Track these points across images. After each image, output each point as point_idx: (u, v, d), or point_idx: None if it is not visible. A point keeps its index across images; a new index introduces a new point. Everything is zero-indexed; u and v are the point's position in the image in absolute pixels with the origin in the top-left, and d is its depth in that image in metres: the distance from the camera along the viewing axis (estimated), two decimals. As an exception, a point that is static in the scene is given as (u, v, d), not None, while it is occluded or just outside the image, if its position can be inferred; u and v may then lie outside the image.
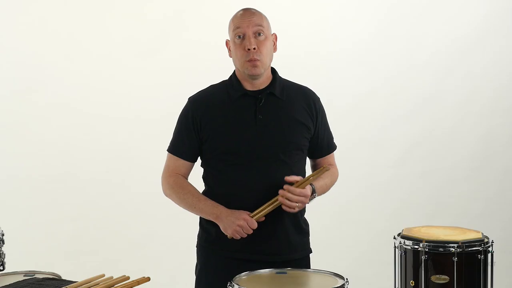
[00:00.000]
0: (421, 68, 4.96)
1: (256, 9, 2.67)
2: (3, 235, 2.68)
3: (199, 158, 2.72)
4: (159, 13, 4.85)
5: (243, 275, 2.38)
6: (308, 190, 2.54)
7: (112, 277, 2.41)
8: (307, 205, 2.64)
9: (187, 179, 2.72)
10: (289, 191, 2.48)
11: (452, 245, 2.71)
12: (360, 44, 4.96)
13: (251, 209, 2.53)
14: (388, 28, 4.97)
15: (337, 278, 2.35)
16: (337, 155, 4.83)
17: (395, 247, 2.90)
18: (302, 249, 2.71)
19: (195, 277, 2.75)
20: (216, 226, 2.57)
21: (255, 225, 2.49)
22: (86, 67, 4.81)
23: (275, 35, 2.68)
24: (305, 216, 2.75)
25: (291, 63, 4.84)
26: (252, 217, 2.50)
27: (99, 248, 4.73)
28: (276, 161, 2.57)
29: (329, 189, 2.76)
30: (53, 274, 2.58)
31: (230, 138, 2.57)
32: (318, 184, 2.62)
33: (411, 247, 2.79)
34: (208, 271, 2.66)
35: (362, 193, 4.96)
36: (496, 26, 4.94)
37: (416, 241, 2.77)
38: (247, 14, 2.61)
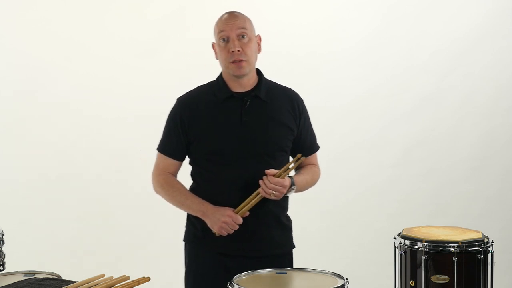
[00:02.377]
0: (421, 68, 4.96)
1: (240, 12, 2.74)
2: (3, 235, 2.69)
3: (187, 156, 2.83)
4: (159, 13, 4.86)
5: (243, 275, 2.39)
6: (286, 180, 2.63)
7: (112, 277, 2.41)
8: (290, 200, 2.80)
9: (176, 177, 2.83)
10: (267, 179, 2.58)
11: (452, 245, 2.72)
12: (360, 44, 4.96)
13: (236, 206, 2.64)
14: (388, 28, 4.96)
15: (337, 278, 2.35)
16: (337, 155, 4.87)
17: (395, 247, 2.90)
18: (284, 245, 2.81)
19: (184, 270, 2.83)
20: (202, 221, 2.69)
21: (240, 221, 2.60)
22: (86, 68, 4.81)
23: (259, 36, 2.77)
24: (287, 213, 2.84)
25: (291, 63, 4.86)
26: (236, 212, 2.62)
27: (99, 248, 4.73)
28: (259, 161, 2.66)
29: (309, 186, 2.86)
30: (53, 274, 2.59)
31: (216, 139, 2.67)
32: (298, 178, 2.74)
33: (411, 247, 2.79)
34: (196, 263, 2.76)
35: (362, 193, 4.96)
36: (496, 26, 4.93)
37: (416, 241, 2.78)
38: (231, 17, 2.69)
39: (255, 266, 2.58)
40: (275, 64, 4.71)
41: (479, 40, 4.94)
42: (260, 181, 2.59)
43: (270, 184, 2.57)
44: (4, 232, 2.71)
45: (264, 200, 2.64)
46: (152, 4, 4.88)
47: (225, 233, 2.61)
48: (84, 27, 4.81)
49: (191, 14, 4.88)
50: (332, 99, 4.94)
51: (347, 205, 4.94)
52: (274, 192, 2.58)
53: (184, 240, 2.85)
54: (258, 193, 2.61)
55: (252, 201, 2.62)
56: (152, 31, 4.85)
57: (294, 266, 2.82)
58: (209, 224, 2.64)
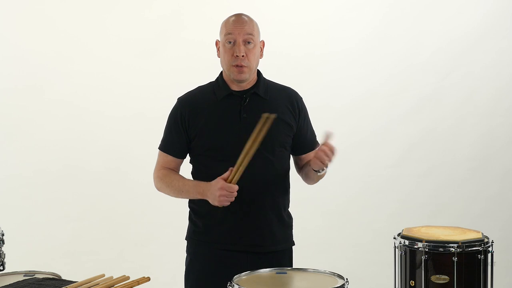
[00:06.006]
0: (421, 67, 4.96)
1: (248, 15, 2.76)
2: (3, 235, 2.69)
3: (187, 155, 2.86)
4: (158, 13, 4.86)
5: (243, 275, 2.39)
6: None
7: (112, 277, 2.41)
8: (290, 199, 2.85)
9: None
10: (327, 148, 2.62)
11: (452, 245, 2.72)
12: (360, 44, 4.96)
13: (236, 202, 2.64)
14: (388, 28, 4.96)
15: (337, 278, 2.35)
16: (337, 155, 4.86)
17: (395, 247, 2.90)
18: (285, 242, 2.83)
19: (184, 266, 2.86)
20: (203, 219, 2.76)
21: (235, 188, 2.59)
22: (86, 68, 4.81)
23: (263, 42, 2.81)
24: (289, 210, 2.87)
25: (291, 63, 4.86)
26: (229, 182, 2.61)
27: (99, 248, 4.73)
28: (259, 157, 2.67)
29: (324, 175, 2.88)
30: (53, 274, 2.59)
31: (216, 136, 2.71)
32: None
33: (411, 247, 2.79)
34: (197, 261, 2.80)
35: (362, 193, 4.96)
36: (496, 26, 4.93)
37: (416, 241, 2.78)
38: (240, 21, 2.72)
39: (255, 262, 2.63)
40: (275, 64, 4.70)
41: (479, 40, 4.94)
42: (320, 151, 2.61)
43: (330, 150, 2.61)
44: (4, 232, 2.71)
45: (265, 196, 2.70)
46: (152, 4, 4.88)
47: (227, 204, 2.61)
48: (85, 27, 4.80)
49: (190, 14, 4.88)
50: (332, 99, 4.94)
51: (347, 204, 4.94)
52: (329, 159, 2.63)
53: (186, 239, 2.88)
54: (243, 160, 2.57)
55: (240, 167, 2.59)
56: (152, 31, 4.85)
57: (294, 265, 2.83)
58: (210, 202, 2.64)
